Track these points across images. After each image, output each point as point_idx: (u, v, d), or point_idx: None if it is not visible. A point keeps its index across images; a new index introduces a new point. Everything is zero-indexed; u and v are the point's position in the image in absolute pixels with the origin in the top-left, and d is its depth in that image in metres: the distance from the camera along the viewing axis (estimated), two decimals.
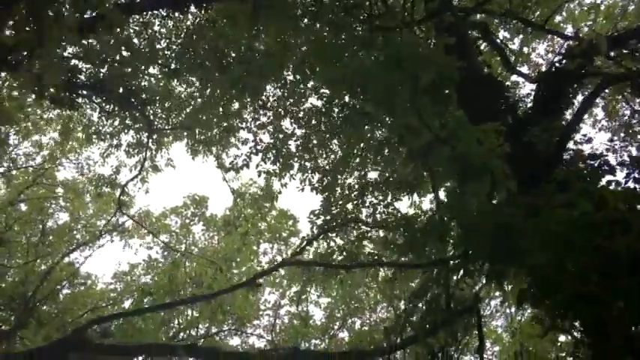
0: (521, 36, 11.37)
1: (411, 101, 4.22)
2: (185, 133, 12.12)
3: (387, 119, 5.24)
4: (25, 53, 9.42)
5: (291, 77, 9.41)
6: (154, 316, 16.81)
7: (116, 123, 11.46)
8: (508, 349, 16.83)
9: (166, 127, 11.77)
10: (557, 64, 7.98)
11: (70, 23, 5.46)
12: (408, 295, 5.46)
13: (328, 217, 8.55)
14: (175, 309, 17.90)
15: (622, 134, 10.92)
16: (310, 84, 9.46)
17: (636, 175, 5.18)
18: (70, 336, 8.11)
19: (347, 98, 7.80)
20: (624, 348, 4.73)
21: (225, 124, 10.94)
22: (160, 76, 10.86)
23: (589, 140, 6.26)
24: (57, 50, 9.22)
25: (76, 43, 8.40)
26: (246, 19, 7.49)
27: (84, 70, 10.20)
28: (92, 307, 18.88)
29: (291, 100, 9.72)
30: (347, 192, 8.89)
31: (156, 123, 11.51)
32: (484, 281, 5.15)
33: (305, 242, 9.17)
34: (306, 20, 7.68)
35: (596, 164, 5.41)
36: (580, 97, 8.13)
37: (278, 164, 8.72)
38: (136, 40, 9.90)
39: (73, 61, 9.96)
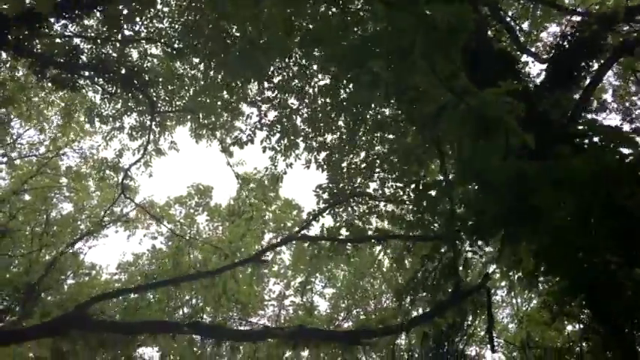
0: (530, 15, 11.12)
1: (425, 55, 4.02)
2: (189, 117, 11.97)
3: (397, 87, 5.04)
4: (27, 32, 9.33)
5: (296, 57, 9.22)
6: (158, 304, 16.73)
7: (118, 105, 11.32)
8: (514, 338, 16.64)
9: (170, 110, 11.62)
10: (569, 37, 7.79)
11: None
12: (420, 258, 5.30)
13: (335, 191, 8.37)
14: (179, 299, 17.85)
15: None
16: (315, 67, 9.27)
17: None
18: (71, 312, 7.97)
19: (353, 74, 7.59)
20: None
21: (229, 107, 10.78)
22: (162, 57, 10.71)
23: (603, 108, 6.10)
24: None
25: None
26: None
27: (85, 50, 10.05)
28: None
29: (296, 81, 9.53)
30: (354, 168, 8.70)
31: (159, 105, 11.35)
32: (496, 249, 4.96)
33: (311, 217, 9.00)
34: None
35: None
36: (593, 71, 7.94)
37: (284, 141, 8.54)
38: (137, 19, 9.74)
39: (75, 41, 9.81)
